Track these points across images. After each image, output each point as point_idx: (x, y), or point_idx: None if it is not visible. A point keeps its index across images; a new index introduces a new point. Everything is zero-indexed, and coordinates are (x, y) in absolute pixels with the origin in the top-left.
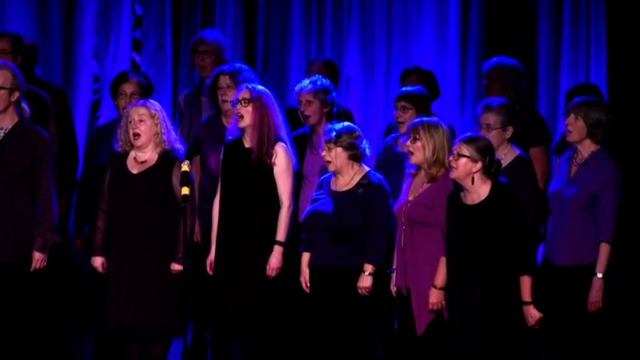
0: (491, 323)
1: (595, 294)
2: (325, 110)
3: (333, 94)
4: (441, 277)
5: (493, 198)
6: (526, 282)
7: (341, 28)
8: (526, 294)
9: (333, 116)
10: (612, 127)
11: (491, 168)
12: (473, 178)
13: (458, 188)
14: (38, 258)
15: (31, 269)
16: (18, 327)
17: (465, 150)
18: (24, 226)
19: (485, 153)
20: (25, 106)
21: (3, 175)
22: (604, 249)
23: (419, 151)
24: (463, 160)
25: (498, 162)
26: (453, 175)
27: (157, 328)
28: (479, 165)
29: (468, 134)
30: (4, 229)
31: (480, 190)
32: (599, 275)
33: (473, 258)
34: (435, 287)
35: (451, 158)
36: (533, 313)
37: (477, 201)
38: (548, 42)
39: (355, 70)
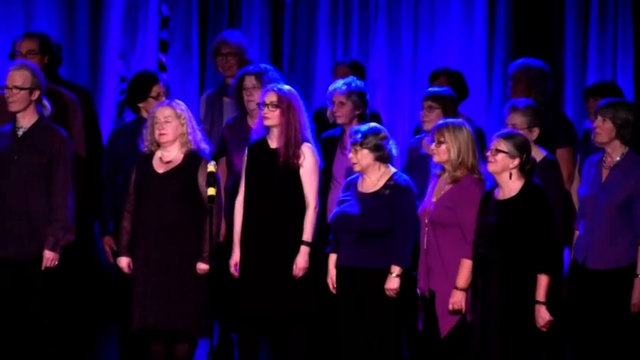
0: (508, 320)
1: (637, 295)
2: (357, 112)
3: (368, 97)
4: (462, 278)
5: (524, 195)
6: (543, 281)
7: (367, 29)
8: (541, 293)
9: (366, 118)
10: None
11: (526, 165)
12: (511, 174)
13: (494, 185)
14: (49, 257)
15: (42, 268)
16: (34, 324)
17: (504, 146)
18: (39, 225)
19: (523, 150)
20: (47, 103)
21: (20, 173)
22: None
23: (444, 153)
24: (501, 155)
25: (534, 160)
26: (490, 169)
27: (183, 328)
28: (516, 161)
29: (507, 130)
30: (19, 227)
31: (512, 186)
32: None
33: (494, 253)
34: (457, 288)
35: (489, 153)
36: (543, 315)
37: (507, 196)
38: (575, 42)
39: (381, 70)
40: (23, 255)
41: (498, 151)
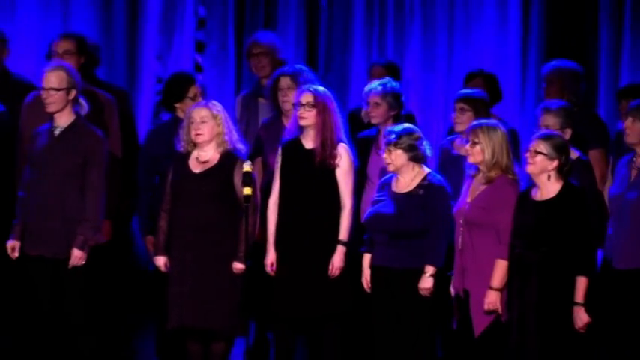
0: (545, 321)
1: None
2: (392, 113)
3: (404, 98)
4: (497, 278)
5: (562, 197)
6: (582, 283)
7: (403, 30)
8: (580, 295)
9: (401, 119)
10: None
11: (565, 167)
12: (549, 176)
13: (530, 185)
14: (77, 255)
15: (69, 266)
16: (70, 322)
17: (543, 147)
18: (73, 224)
19: (562, 152)
20: (84, 102)
21: (55, 172)
22: None
23: (478, 154)
24: (540, 157)
25: (572, 163)
26: (529, 170)
27: (219, 327)
28: (555, 163)
29: (545, 132)
30: (55, 226)
31: (551, 188)
32: None
33: (532, 254)
34: (492, 288)
35: (527, 154)
36: (582, 316)
37: (545, 198)
38: (609, 44)
39: (416, 71)
40: (58, 254)
41: (537, 152)
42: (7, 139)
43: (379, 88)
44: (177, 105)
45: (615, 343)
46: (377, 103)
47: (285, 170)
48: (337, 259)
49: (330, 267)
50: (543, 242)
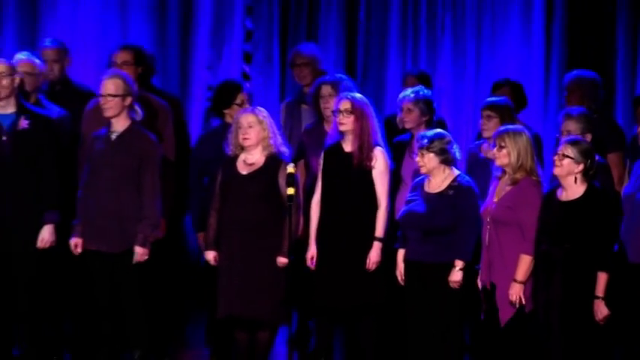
0: (568, 313)
1: None
2: (424, 119)
3: (435, 105)
4: (521, 272)
5: (587, 198)
6: (602, 278)
7: (435, 43)
8: (600, 289)
9: (433, 124)
10: None
11: (590, 170)
12: (575, 178)
13: (555, 186)
14: (139, 252)
15: (133, 262)
16: (127, 312)
17: (570, 151)
18: (129, 222)
19: (587, 156)
20: (138, 109)
21: (112, 173)
22: None
23: (504, 157)
24: (567, 160)
25: (597, 166)
26: (556, 172)
27: (264, 317)
28: (581, 166)
29: (573, 137)
30: (111, 224)
31: (576, 190)
32: None
33: (557, 250)
34: (516, 281)
35: (555, 157)
36: (602, 309)
37: (571, 198)
38: (626, 55)
39: (447, 80)
40: (114, 249)
41: (565, 156)
42: (70, 142)
43: (412, 95)
44: (225, 111)
45: (631, 334)
46: (409, 110)
47: (327, 172)
48: (374, 255)
49: (367, 261)
50: (567, 239)
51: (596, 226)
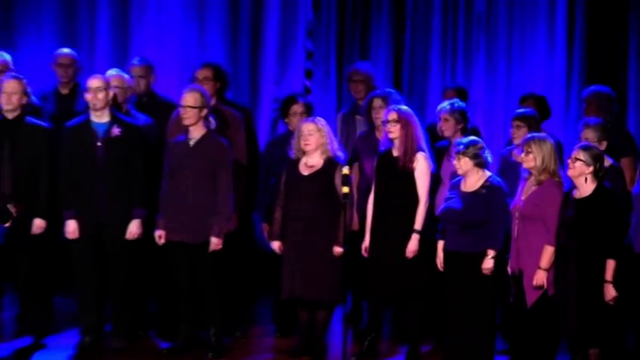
0: (582, 296)
1: None
2: (459, 127)
3: (469, 115)
4: (545, 260)
5: (596, 195)
6: (610, 265)
7: (470, 60)
8: (608, 274)
9: (468, 132)
10: None
11: (599, 172)
12: (586, 178)
13: (572, 186)
14: (215, 242)
15: (209, 251)
16: (204, 294)
17: (582, 155)
18: (205, 216)
19: (597, 160)
20: (212, 119)
21: (191, 175)
22: None
23: (531, 161)
24: (579, 162)
25: (606, 168)
26: (570, 173)
27: (323, 297)
28: (591, 168)
29: (585, 143)
30: (191, 218)
31: (587, 188)
32: None
33: (572, 242)
34: (540, 268)
35: (569, 161)
36: (611, 292)
37: (582, 196)
38: (637, 72)
39: (481, 94)
40: (193, 239)
41: (577, 159)
42: (156, 147)
43: (448, 107)
44: (285, 120)
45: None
46: (446, 119)
47: (379, 174)
48: (411, 245)
49: (407, 251)
50: (581, 232)
51: (604, 220)
